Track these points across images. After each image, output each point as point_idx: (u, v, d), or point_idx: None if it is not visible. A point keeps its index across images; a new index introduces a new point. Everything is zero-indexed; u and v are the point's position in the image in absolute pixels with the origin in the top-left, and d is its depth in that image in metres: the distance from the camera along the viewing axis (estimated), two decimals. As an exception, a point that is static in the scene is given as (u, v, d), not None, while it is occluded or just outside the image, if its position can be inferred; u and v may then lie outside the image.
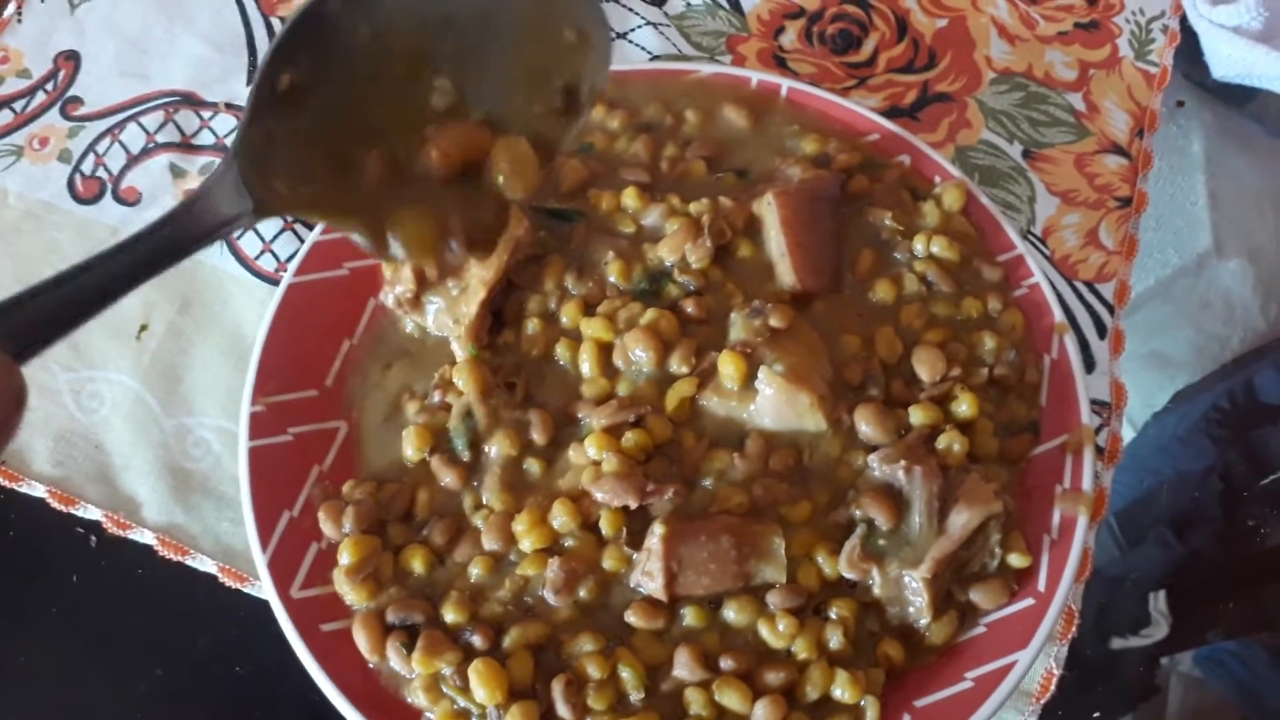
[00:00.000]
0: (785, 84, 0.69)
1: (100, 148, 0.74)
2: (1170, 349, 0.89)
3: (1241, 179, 0.94)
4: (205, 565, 0.62)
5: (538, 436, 0.56)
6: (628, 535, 0.53)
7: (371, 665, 0.52)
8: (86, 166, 0.74)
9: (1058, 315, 0.61)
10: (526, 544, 0.53)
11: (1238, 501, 0.80)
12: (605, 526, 0.53)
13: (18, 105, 0.77)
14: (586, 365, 0.57)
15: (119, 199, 0.72)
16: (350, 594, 0.53)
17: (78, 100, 0.77)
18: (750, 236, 0.61)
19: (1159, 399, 0.87)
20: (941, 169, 0.66)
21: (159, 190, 0.73)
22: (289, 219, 0.69)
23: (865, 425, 0.55)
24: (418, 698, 0.51)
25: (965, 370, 0.58)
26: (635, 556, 0.52)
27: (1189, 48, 0.85)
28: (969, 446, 0.55)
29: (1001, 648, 0.52)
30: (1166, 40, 0.82)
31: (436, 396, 0.58)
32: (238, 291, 0.69)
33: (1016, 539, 0.54)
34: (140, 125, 0.75)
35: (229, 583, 0.61)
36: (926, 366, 0.58)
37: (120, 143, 0.74)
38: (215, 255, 0.70)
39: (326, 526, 0.55)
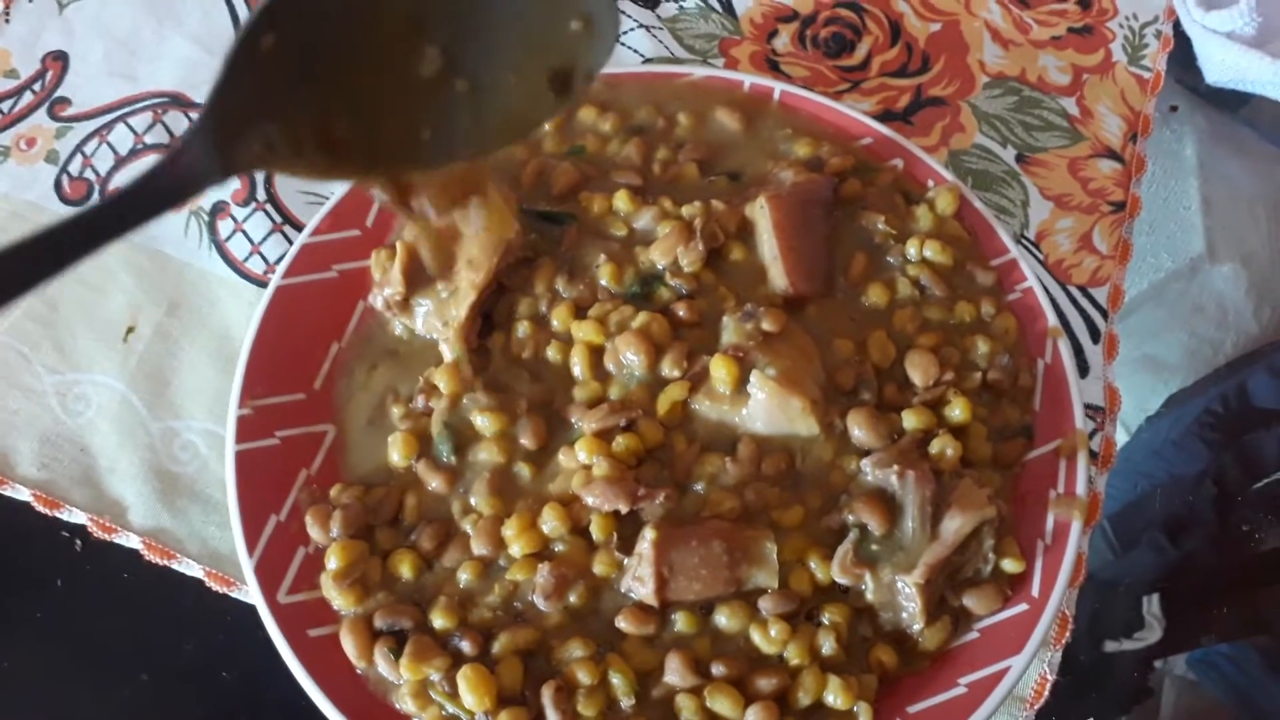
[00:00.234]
0: (778, 87, 0.69)
1: (88, 149, 0.74)
2: (1163, 353, 0.89)
3: (1234, 184, 0.94)
4: (192, 569, 0.61)
5: (527, 442, 0.55)
6: (618, 540, 0.52)
7: (359, 671, 0.52)
8: (74, 167, 0.73)
9: (1051, 319, 0.61)
10: (516, 549, 0.53)
11: (1231, 505, 0.80)
12: (596, 531, 0.53)
13: (5, 105, 0.76)
14: (578, 369, 0.57)
15: (107, 200, 0.72)
16: (338, 599, 0.53)
17: (65, 101, 0.76)
18: (742, 240, 0.61)
19: (1152, 403, 0.87)
20: (935, 173, 0.66)
21: (147, 192, 0.72)
22: (278, 221, 0.69)
23: (858, 430, 0.55)
24: (406, 704, 0.51)
25: (958, 375, 0.58)
26: (626, 561, 0.52)
27: (1182, 53, 0.85)
28: (962, 451, 0.55)
29: (995, 653, 0.52)
30: (1160, 45, 0.82)
31: (420, 401, 0.58)
32: (226, 293, 0.68)
33: (1010, 544, 0.54)
34: (128, 126, 0.74)
35: (216, 587, 0.60)
36: (919, 371, 0.57)
37: (108, 144, 0.74)
38: (203, 257, 0.69)
39: (314, 531, 0.55)
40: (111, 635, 0.61)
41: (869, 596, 0.52)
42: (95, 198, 0.72)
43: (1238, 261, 0.90)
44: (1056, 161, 0.75)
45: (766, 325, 0.56)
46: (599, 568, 0.52)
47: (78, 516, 0.62)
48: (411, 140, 0.45)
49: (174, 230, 0.70)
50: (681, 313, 0.58)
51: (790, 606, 0.51)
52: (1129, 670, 0.77)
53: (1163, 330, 0.88)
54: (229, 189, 0.70)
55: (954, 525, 0.52)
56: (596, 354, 0.57)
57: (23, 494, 0.63)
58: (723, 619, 0.51)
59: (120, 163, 0.73)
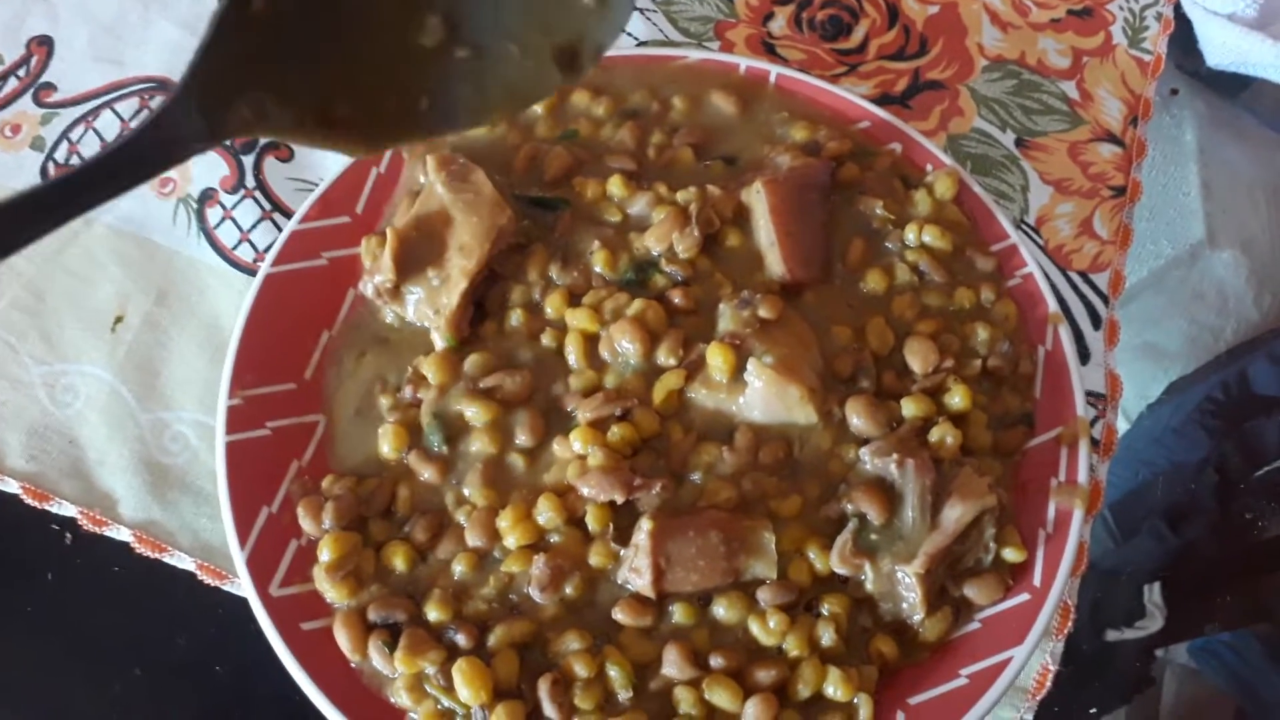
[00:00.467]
0: (774, 70, 0.68)
1: (74, 135, 0.73)
2: (1164, 340, 0.88)
3: (1235, 169, 0.93)
4: (183, 562, 0.60)
5: (524, 438, 0.54)
6: (615, 531, 0.52)
7: (353, 665, 0.51)
8: (60, 154, 0.72)
9: (1052, 305, 0.60)
10: (511, 540, 0.52)
11: (1233, 493, 0.80)
12: (592, 522, 0.52)
13: (-11, 92, 0.75)
14: (572, 357, 0.56)
15: (94, 188, 0.71)
16: (331, 592, 0.52)
17: (51, 87, 0.75)
18: (739, 225, 0.60)
19: (1153, 390, 0.87)
20: (933, 157, 0.65)
21: (135, 179, 0.71)
22: (267, 208, 0.68)
23: (856, 418, 0.54)
24: (401, 698, 0.50)
25: (958, 362, 0.57)
26: (623, 552, 0.51)
27: (1183, 35, 0.84)
28: (962, 439, 0.54)
29: (997, 644, 0.51)
30: (1160, 27, 0.81)
31: (408, 392, 0.57)
32: (215, 282, 0.67)
33: (1011, 533, 0.53)
34: (115, 112, 0.73)
35: (207, 580, 0.60)
36: (919, 358, 0.57)
37: (95, 130, 0.73)
38: (192, 245, 0.68)
39: (306, 523, 0.54)
40: (103, 629, 0.61)
41: (869, 587, 0.52)
42: (82, 186, 0.71)
43: (1238, 248, 0.90)
44: (1056, 146, 0.74)
45: (763, 312, 0.55)
46: (595, 559, 0.52)
47: (67, 509, 0.61)
48: (410, 110, 0.44)
49: (162, 218, 0.69)
50: (677, 300, 0.57)
51: (789, 597, 0.51)
52: (1130, 659, 0.77)
53: (1163, 317, 0.88)
54: (217, 175, 0.69)
55: (954, 514, 0.51)
56: (591, 342, 0.56)
57: (11, 487, 0.62)
58: (721, 610, 0.51)
59: (107, 150, 0.72)
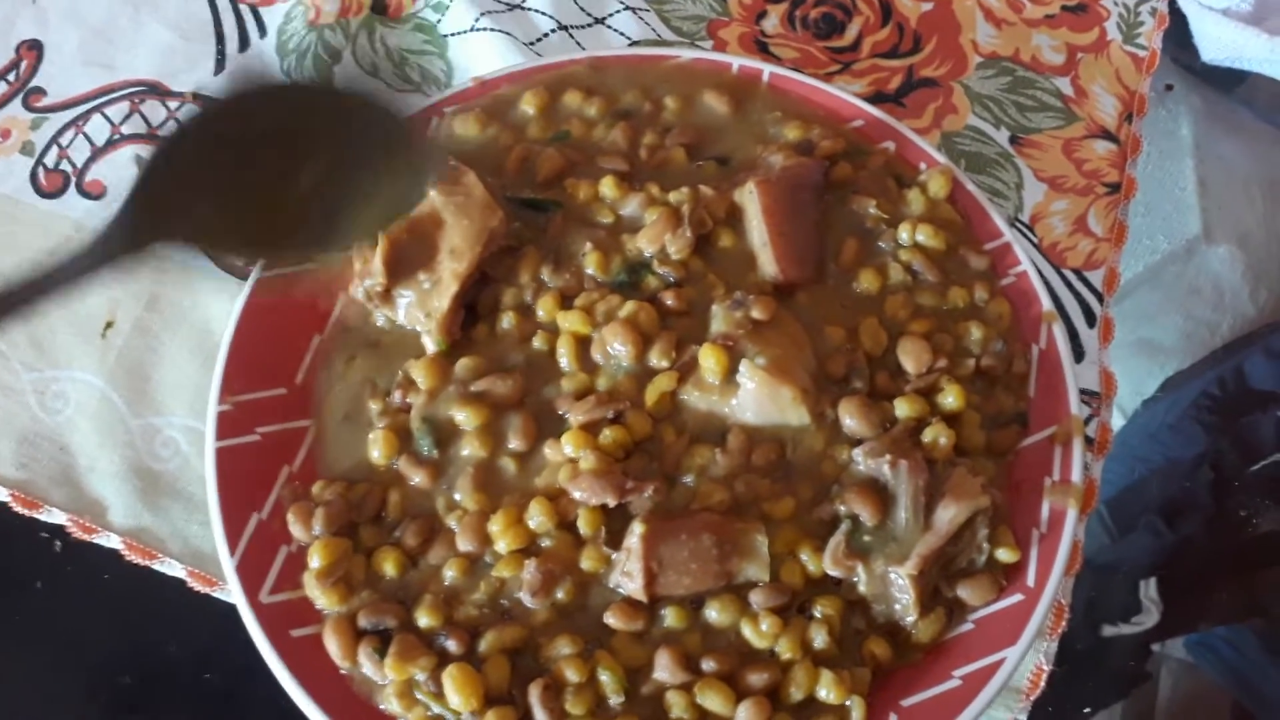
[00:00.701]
0: (767, 69, 0.68)
1: (64, 140, 0.72)
2: (1160, 336, 0.88)
3: (1230, 164, 0.93)
4: (174, 569, 0.60)
5: (516, 442, 0.54)
6: (606, 534, 0.52)
7: (343, 671, 0.51)
8: (50, 159, 0.72)
9: (1046, 304, 0.60)
10: (502, 545, 0.52)
11: (1228, 489, 0.80)
12: (583, 526, 0.52)
13: (-22, 97, 0.75)
14: (564, 360, 0.56)
15: (83, 192, 0.70)
16: (321, 598, 0.52)
17: (40, 91, 0.75)
18: (731, 226, 0.60)
19: (1148, 386, 0.87)
20: (927, 155, 0.65)
21: (125, 183, 0.70)
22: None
23: (849, 419, 0.54)
24: (391, 704, 0.50)
25: (951, 361, 0.57)
26: (614, 556, 0.51)
27: (1178, 31, 0.84)
28: (955, 439, 0.54)
29: (990, 644, 0.51)
30: (1155, 23, 0.81)
31: (398, 397, 0.56)
32: (206, 287, 0.67)
33: (1005, 533, 0.53)
34: (105, 116, 0.73)
35: (198, 587, 0.59)
36: (912, 358, 0.56)
37: (85, 134, 0.72)
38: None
39: (296, 529, 0.54)
40: (92, 637, 0.61)
41: (862, 588, 0.51)
42: (71, 190, 0.70)
43: (1234, 243, 0.89)
44: (1051, 143, 0.74)
45: (756, 313, 0.55)
46: (587, 563, 0.51)
47: (57, 516, 0.61)
48: (295, 232, 0.52)
49: (152, 222, 0.69)
50: (669, 301, 0.57)
51: (782, 600, 0.50)
52: (1126, 654, 0.77)
53: (1159, 313, 0.88)
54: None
55: (947, 515, 0.51)
56: (583, 345, 0.56)
57: (0, 495, 0.62)
58: (713, 613, 0.51)
59: (97, 154, 0.72)
